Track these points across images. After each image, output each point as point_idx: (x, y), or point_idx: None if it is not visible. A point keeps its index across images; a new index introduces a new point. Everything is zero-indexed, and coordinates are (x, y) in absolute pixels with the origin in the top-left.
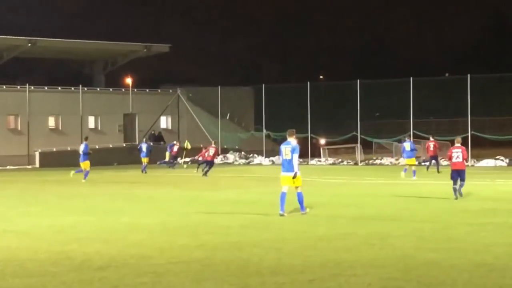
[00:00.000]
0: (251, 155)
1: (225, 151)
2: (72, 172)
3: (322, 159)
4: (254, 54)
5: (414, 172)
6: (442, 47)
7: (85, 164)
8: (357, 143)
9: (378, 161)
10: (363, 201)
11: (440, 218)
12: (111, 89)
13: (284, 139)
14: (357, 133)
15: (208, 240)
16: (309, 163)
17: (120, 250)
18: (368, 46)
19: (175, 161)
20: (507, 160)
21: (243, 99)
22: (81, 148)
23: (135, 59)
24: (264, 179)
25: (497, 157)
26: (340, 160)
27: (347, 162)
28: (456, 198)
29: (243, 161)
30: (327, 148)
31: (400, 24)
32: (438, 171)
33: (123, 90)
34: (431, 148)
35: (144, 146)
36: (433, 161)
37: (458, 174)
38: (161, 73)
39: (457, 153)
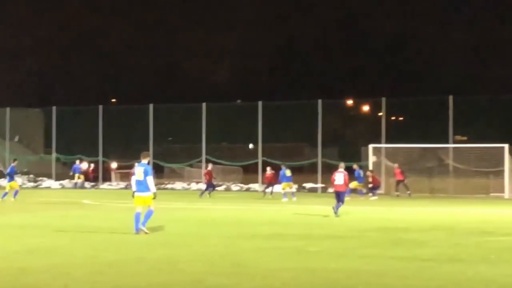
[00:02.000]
0: (40, 178)
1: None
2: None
3: (114, 183)
4: (45, 76)
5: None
6: (235, 72)
7: (13, 184)
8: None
9: (169, 186)
10: (153, 226)
11: (229, 243)
12: None
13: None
14: (149, 157)
15: None
16: (100, 186)
17: None
18: (162, 70)
19: None
20: (295, 186)
21: (33, 121)
22: (8, 169)
23: None
24: (52, 203)
25: None
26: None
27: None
28: (336, 215)
29: (32, 184)
30: (119, 172)
31: (192, 49)
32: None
33: None
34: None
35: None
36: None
37: (338, 195)
38: None
39: (339, 177)
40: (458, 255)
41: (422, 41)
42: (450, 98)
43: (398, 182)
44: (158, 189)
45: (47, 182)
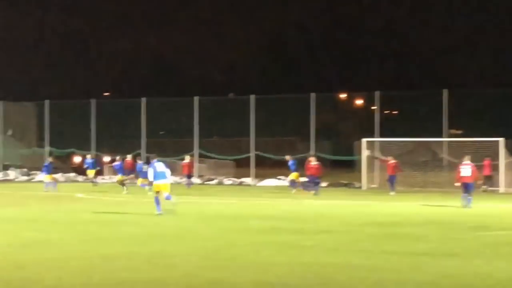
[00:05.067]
0: (33, 172)
1: (6, 168)
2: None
3: (106, 176)
4: (37, 69)
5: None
6: (227, 66)
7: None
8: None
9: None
10: (146, 220)
11: (223, 237)
12: None
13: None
14: (141, 150)
15: None
16: (93, 180)
17: None
18: (154, 64)
19: None
20: (288, 180)
21: (26, 115)
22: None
23: None
24: (45, 197)
25: (279, 177)
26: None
27: (131, 180)
28: (468, 207)
29: (25, 177)
30: (110, 166)
31: (184, 43)
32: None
33: None
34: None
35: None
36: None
37: (466, 187)
38: None
39: (467, 169)
40: (453, 249)
41: (416, 34)
42: (445, 91)
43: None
44: (150, 183)
45: (40, 176)
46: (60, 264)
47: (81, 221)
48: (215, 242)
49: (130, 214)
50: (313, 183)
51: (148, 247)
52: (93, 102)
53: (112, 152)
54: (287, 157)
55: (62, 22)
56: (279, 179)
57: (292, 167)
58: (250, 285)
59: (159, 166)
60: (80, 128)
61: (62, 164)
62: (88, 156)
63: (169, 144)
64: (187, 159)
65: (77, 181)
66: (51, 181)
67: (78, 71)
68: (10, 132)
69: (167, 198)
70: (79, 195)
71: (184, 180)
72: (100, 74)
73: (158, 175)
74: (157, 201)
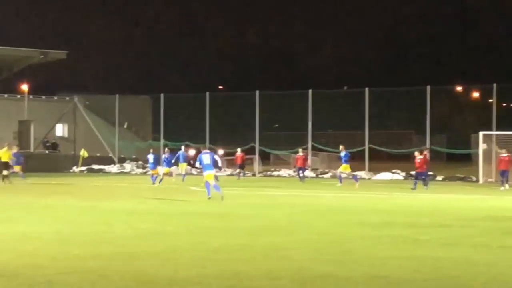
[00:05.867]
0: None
1: (122, 160)
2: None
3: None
4: (154, 62)
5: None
6: (341, 59)
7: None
8: (255, 154)
9: (276, 173)
10: (260, 213)
11: (336, 231)
12: (6, 95)
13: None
14: (255, 144)
15: (103, 250)
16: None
17: (11, 259)
18: (268, 57)
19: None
20: (403, 174)
21: (141, 108)
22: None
23: (31, 65)
24: (160, 189)
25: (394, 170)
26: (238, 171)
27: (245, 173)
28: None
29: (140, 170)
30: (225, 159)
31: (301, 36)
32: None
33: (19, 96)
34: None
35: (151, 157)
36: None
37: None
38: (58, 80)
39: None
40: None
41: None
42: None
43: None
44: (264, 176)
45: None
46: (174, 256)
47: (194, 214)
48: (328, 235)
49: (240, 206)
50: (423, 178)
51: (261, 240)
52: (207, 95)
53: (226, 145)
54: (341, 148)
55: (179, 16)
56: (393, 172)
57: (344, 159)
58: (364, 278)
59: (206, 158)
60: (194, 121)
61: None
62: (183, 148)
63: (282, 137)
64: (300, 152)
65: (192, 174)
66: (166, 173)
67: (193, 64)
68: (126, 125)
69: (216, 187)
70: (193, 188)
71: (299, 173)
72: (214, 68)
73: (205, 167)
74: (208, 186)
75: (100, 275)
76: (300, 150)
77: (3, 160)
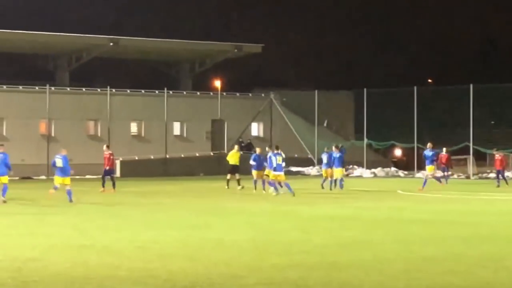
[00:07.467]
0: (351, 166)
1: (321, 162)
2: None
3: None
4: (354, 55)
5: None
6: None
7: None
8: (469, 154)
9: (493, 175)
10: (476, 219)
11: None
12: (198, 93)
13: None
14: (469, 143)
15: (302, 260)
16: (415, 175)
17: (206, 268)
18: (482, 48)
19: None
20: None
21: (342, 105)
22: (61, 161)
23: (225, 60)
24: (363, 193)
25: None
26: (450, 173)
27: (458, 176)
28: None
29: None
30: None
31: None
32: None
33: (211, 94)
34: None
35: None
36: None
37: None
38: (253, 76)
39: None
40: None
41: None
42: None
43: None
44: (479, 178)
45: (358, 171)
46: (381, 267)
47: (402, 220)
48: None
49: (451, 212)
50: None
51: (476, 249)
52: (415, 89)
53: (435, 144)
54: (429, 145)
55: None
56: None
57: (429, 159)
58: None
59: (278, 159)
60: (400, 118)
61: (382, 158)
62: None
63: (500, 135)
64: (496, 155)
65: (399, 176)
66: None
67: (399, 56)
68: (325, 123)
69: (287, 185)
70: (400, 191)
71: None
72: (422, 60)
73: (277, 167)
74: (274, 185)
75: (299, 286)
76: (494, 150)
77: (231, 163)
